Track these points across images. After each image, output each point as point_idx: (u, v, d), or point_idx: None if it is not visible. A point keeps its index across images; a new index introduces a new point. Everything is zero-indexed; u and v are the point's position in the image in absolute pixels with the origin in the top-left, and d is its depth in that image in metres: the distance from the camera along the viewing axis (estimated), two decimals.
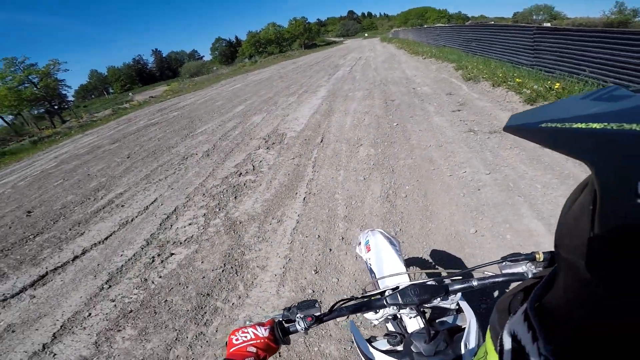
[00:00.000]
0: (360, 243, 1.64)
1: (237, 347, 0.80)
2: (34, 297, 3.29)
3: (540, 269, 0.89)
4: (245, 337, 0.82)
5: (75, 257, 3.85)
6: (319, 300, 0.94)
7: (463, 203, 3.28)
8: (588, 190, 0.26)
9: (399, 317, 1.25)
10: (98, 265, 3.57)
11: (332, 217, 3.51)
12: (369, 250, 1.52)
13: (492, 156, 4.05)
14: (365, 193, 3.84)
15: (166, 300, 2.80)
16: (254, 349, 0.79)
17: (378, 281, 1.35)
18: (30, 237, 4.76)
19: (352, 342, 1.30)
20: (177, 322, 2.57)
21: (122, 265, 3.44)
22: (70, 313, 2.91)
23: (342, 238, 3.14)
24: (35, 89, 34.04)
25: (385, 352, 1.09)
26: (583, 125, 0.23)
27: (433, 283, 0.94)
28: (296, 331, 0.87)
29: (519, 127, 0.29)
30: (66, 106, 41.77)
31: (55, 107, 38.15)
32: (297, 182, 4.50)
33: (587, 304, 0.25)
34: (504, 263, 0.91)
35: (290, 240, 3.24)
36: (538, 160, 3.72)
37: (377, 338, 1.18)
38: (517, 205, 3.07)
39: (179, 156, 6.98)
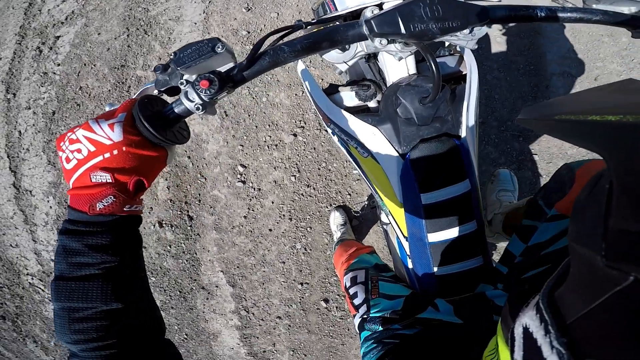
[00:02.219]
0: None
1: (74, 176, 0.41)
2: None
3: None
4: (78, 151, 0.41)
5: None
6: (221, 39, 0.46)
7: None
8: (602, 183, 0.25)
9: (375, 56, 0.80)
10: None
11: None
12: None
13: None
14: None
15: (81, 88, 2.36)
16: (104, 175, 0.40)
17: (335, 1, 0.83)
18: None
19: (306, 89, 0.86)
20: (106, 107, 2.19)
21: (9, 69, 2.75)
22: (3, 139, 2.50)
23: None
24: None
25: (353, 110, 0.73)
26: (599, 118, 0.22)
27: None
28: (186, 113, 0.46)
29: (532, 120, 0.29)
30: None
31: None
32: None
33: (600, 295, 0.23)
34: None
35: None
36: None
37: (339, 88, 0.77)
38: None
39: None
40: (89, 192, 0.40)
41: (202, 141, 1.99)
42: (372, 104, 0.77)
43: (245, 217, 1.87)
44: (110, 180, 0.41)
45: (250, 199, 1.88)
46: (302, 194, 1.86)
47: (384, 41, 0.54)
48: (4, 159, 2.42)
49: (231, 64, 0.48)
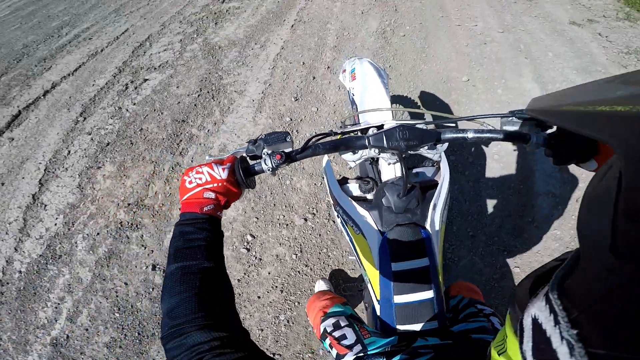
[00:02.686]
0: (344, 70, 1.48)
1: (191, 192, 0.69)
2: (13, 139, 3.14)
3: (546, 134, 0.74)
4: (200, 179, 0.69)
5: (46, 92, 3.60)
6: (290, 133, 0.77)
7: (464, 52, 2.97)
8: (612, 173, 0.24)
9: (376, 159, 1.11)
10: (70, 97, 3.36)
11: (320, 46, 3.16)
12: (354, 79, 1.37)
13: (512, 19, 3.45)
14: (360, 26, 3.43)
15: (141, 129, 2.70)
16: (211, 194, 0.68)
17: (359, 115, 1.21)
18: None
19: (324, 180, 1.16)
20: (154, 152, 2.50)
21: (94, 95, 3.24)
22: (51, 153, 2.80)
23: (328, 67, 2.87)
24: None
25: (356, 198, 1.01)
26: (607, 108, 0.23)
27: (424, 127, 0.81)
28: (261, 171, 0.75)
29: (541, 110, 0.30)
30: None
31: None
32: (287, 9, 3.96)
33: (611, 287, 0.24)
34: (510, 118, 0.77)
35: (272, 66, 2.97)
36: (561, 34, 3.22)
37: (348, 181, 1.06)
38: (520, 65, 2.81)
39: None
40: (201, 201, 0.67)
41: None
42: (369, 196, 1.01)
43: (239, 280, 1.98)
44: (214, 197, 0.68)
45: (249, 266, 2.00)
46: (299, 272, 1.96)
47: (377, 150, 0.81)
48: (39, 171, 2.66)
49: (291, 149, 0.76)
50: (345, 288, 1.89)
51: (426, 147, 0.81)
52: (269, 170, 0.73)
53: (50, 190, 2.54)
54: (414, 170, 1.08)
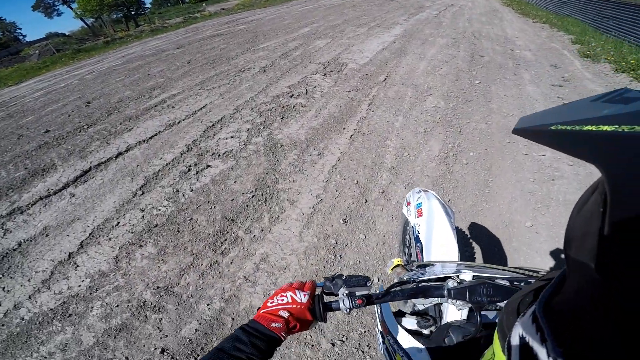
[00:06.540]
0: (409, 203, 1.41)
1: (268, 309, 0.72)
2: (74, 195, 3.38)
3: None
4: (282, 300, 0.73)
5: (119, 154, 3.94)
6: (370, 279, 0.80)
7: (529, 190, 2.74)
8: (599, 192, 0.25)
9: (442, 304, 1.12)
10: (137, 166, 3.62)
11: (377, 165, 3.17)
12: (420, 216, 1.30)
13: None
14: (421, 147, 3.36)
15: (191, 219, 2.75)
16: (286, 313, 0.71)
17: (424, 253, 1.19)
18: (85, 127, 5.03)
19: (378, 313, 1.10)
20: (197, 245, 2.52)
21: (159, 170, 3.44)
22: (101, 220, 2.93)
23: (383, 192, 2.82)
24: None
25: (409, 331, 1.00)
26: (593, 128, 0.22)
27: (505, 284, 0.82)
28: (337, 309, 0.77)
29: (528, 130, 0.29)
30: (142, 12, 44.05)
31: (132, 12, 40.37)
32: (348, 117, 4.14)
33: (598, 306, 0.24)
34: None
35: (326, 179, 3.01)
36: None
37: (405, 315, 1.05)
38: None
39: (236, 68, 6.97)
40: (273, 317, 0.68)
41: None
42: (425, 331, 1.02)
43: None
44: (286, 317, 0.69)
45: None
46: None
47: (453, 300, 0.81)
48: (85, 233, 2.78)
49: (368, 292, 0.78)
50: None
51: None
52: (346, 310, 0.75)
53: (87, 254, 2.61)
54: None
